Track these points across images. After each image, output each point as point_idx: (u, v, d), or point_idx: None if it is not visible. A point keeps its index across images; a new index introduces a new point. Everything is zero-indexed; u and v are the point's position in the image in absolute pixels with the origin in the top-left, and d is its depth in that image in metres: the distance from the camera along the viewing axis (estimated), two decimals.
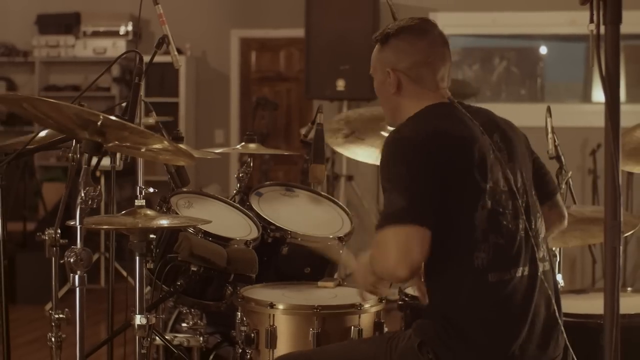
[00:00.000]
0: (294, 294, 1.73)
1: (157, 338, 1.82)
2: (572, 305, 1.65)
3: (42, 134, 1.75)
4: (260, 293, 1.71)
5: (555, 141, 1.79)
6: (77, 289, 1.28)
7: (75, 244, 1.28)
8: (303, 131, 2.11)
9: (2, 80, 5.00)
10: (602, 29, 0.98)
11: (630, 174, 3.63)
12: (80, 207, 1.27)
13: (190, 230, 1.78)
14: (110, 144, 1.37)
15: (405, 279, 1.30)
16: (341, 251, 1.90)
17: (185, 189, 1.91)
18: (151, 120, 1.97)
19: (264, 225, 1.93)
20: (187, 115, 4.86)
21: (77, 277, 1.27)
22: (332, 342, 1.58)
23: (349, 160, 4.31)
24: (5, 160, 1.62)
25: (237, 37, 4.93)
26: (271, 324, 1.59)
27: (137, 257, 1.57)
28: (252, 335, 1.61)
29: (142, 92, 1.56)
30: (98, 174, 3.42)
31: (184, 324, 1.97)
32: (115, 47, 4.77)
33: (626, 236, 2.30)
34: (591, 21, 0.99)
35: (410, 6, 3.81)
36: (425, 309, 1.38)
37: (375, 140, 2.18)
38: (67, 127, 1.34)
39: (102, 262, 4.14)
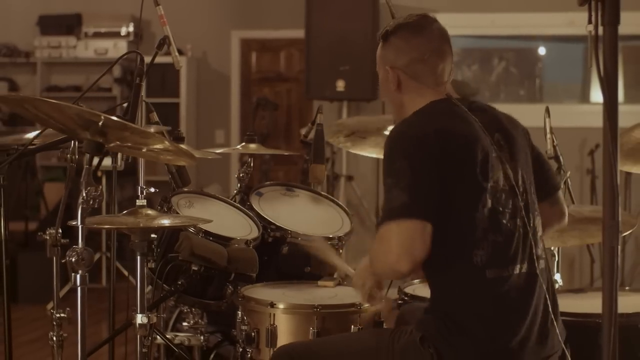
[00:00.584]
0: (294, 293, 1.74)
1: (158, 337, 1.83)
2: (571, 304, 1.65)
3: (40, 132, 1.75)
4: (260, 292, 1.72)
5: (553, 141, 1.79)
6: (79, 288, 1.29)
7: (77, 244, 1.29)
8: (303, 131, 2.12)
9: (4, 80, 5.01)
10: (601, 29, 0.99)
11: (628, 174, 3.62)
12: (82, 207, 1.28)
13: (191, 229, 1.79)
14: (112, 144, 1.37)
15: (406, 274, 1.30)
16: (338, 253, 1.91)
17: (186, 189, 1.91)
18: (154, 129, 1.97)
19: (265, 224, 1.93)
20: (188, 115, 4.87)
21: (78, 276, 1.28)
22: None
23: (349, 160, 4.32)
24: (7, 160, 1.62)
25: (237, 38, 4.94)
26: (272, 323, 1.59)
27: (138, 257, 1.57)
28: (253, 334, 1.61)
29: (143, 93, 1.57)
30: (99, 174, 3.43)
31: (184, 323, 1.97)
32: (117, 48, 4.78)
33: (624, 236, 2.30)
34: (589, 22, 0.99)
35: (410, 7, 3.81)
36: (427, 305, 1.38)
37: (378, 137, 2.19)
38: (69, 128, 1.35)
39: (103, 261, 4.15)
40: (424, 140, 1.31)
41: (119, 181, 2.09)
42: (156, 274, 1.76)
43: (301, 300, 1.67)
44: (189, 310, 1.94)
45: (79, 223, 1.29)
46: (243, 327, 1.64)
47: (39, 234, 1.78)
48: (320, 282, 1.83)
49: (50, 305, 1.71)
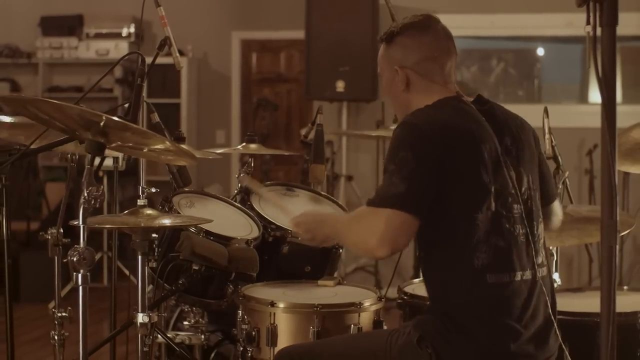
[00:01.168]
0: (295, 293, 1.74)
1: (159, 336, 1.83)
2: (569, 303, 1.65)
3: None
4: (261, 292, 1.72)
5: (552, 141, 1.80)
6: (80, 287, 1.29)
7: (78, 243, 1.29)
8: (303, 132, 2.13)
9: (6, 81, 5.03)
10: (599, 30, 0.99)
11: (626, 174, 3.63)
12: (83, 207, 1.28)
13: (192, 229, 1.79)
14: (113, 145, 1.38)
15: (380, 258, 1.32)
16: (338, 252, 1.91)
17: (187, 189, 1.92)
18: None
19: (265, 224, 1.94)
20: (189, 115, 4.88)
21: (80, 275, 1.28)
22: None
23: (348, 160, 4.33)
24: (8, 161, 1.63)
25: (238, 39, 4.95)
26: (272, 322, 1.60)
27: (140, 256, 1.58)
28: (253, 333, 1.62)
29: (144, 93, 1.57)
30: (101, 174, 3.44)
31: (185, 322, 1.98)
32: (118, 49, 4.80)
33: (622, 235, 2.30)
34: (588, 23, 0.99)
35: (409, 8, 3.82)
36: (427, 307, 1.39)
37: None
38: (71, 128, 1.35)
39: (104, 261, 4.16)
40: (431, 134, 1.31)
41: (120, 181, 2.10)
42: (157, 274, 1.76)
43: (301, 299, 1.68)
44: (189, 309, 1.95)
45: (81, 223, 1.29)
46: (244, 326, 1.64)
47: (40, 233, 1.79)
48: (320, 282, 1.83)
49: (52, 305, 1.72)
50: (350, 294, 1.73)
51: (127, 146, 1.44)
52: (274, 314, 1.60)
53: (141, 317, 1.57)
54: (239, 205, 2.00)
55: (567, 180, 1.79)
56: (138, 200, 1.66)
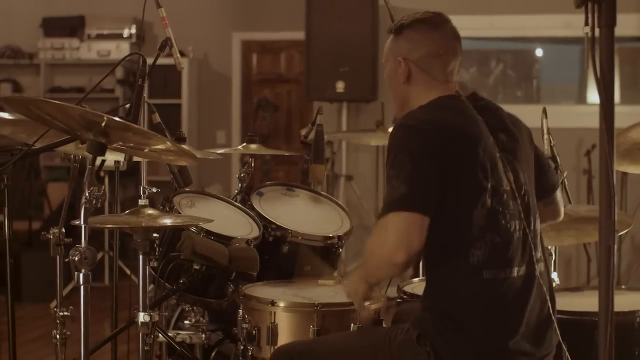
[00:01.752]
0: (295, 292, 1.75)
1: (160, 335, 1.83)
2: (568, 302, 1.66)
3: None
4: (261, 291, 1.73)
5: (550, 142, 1.80)
6: (82, 287, 1.30)
7: (80, 243, 1.30)
8: (303, 132, 2.14)
9: (8, 82, 5.04)
10: (597, 31, 0.99)
11: (624, 174, 3.64)
12: (85, 207, 1.28)
13: (193, 229, 1.80)
14: (114, 145, 1.39)
15: (401, 266, 1.28)
16: (338, 252, 1.92)
17: (187, 189, 1.92)
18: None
19: (265, 224, 1.95)
20: (190, 116, 4.90)
21: (81, 275, 1.29)
22: None
23: (348, 160, 4.34)
24: (10, 161, 1.64)
25: (238, 40, 4.97)
26: (272, 321, 1.61)
27: (141, 256, 1.58)
28: (254, 332, 1.63)
29: (145, 94, 1.58)
30: (102, 174, 3.45)
31: (186, 322, 1.98)
32: (119, 50, 4.81)
33: (620, 235, 2.31)
34: (586, 24, 0.99)
35: (409, 9, 3.81)
36: (423, 303, 1.39)
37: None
38: (72, 128, 1.36)
39: (106, 260, 4.16)
40: (427, 134, 1.32)
41: (122, 181, 2.11)
42: (158, 273, 1.77)
43: (301, 298, 1.68)
44: (190, 308, 1.95)
45: (82, 222, 1.30)
46: (244, 325, 1.65)
47: (42, 233, 1.80)
48: (320, 281, 1.84)
49: (53, 304, 1.73)
50: None
51: (128, 146, 1.44)
52: (275, 313, 1.61)
53: (142, 316, 1.57)
54: (240, 205, 2.01)
55: (565, 180, 1.79)
56: (139, 200, 1.66)
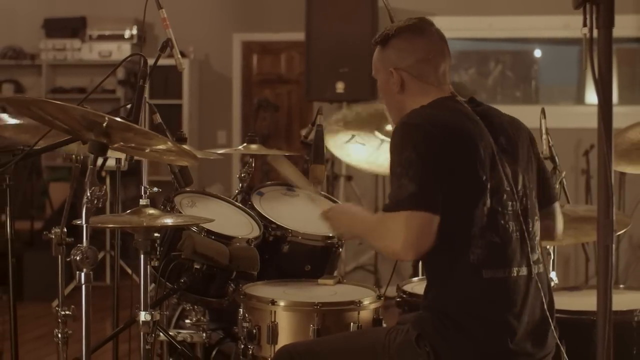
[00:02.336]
0: (295, 291, 1.76)
1: (161, 334, 1.84)
2: (566, 301, 1.67)
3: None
4: (261, 290, 1.74)
5: (549, 142, 1.81)
6: (83, 286, 1.31)
7: (81, 242, 1.31)
8: (303, 132, 2.14)
9: (10, 82, 5.06)
10: (595, 32, 1.00)
11: (622, 174, 3.64)
12: (86, 207, 1.29)
13: (194, 228, 1.80)
14: (116, 145, 1.40)
15: (409, 261, 1.33)
16: (338, 252, 1.92)
17: (188, 189, 1.93)
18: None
19: (266, 224, 1.95)
20: (191, 116, 4.91)
21: (83, 274, 1.30)
22: None
23: None
24: (12, 161, 1.65)
25: (239, 41, 4.98)
26: (272, 320, 1.61)
27: (142, 255, 1.59)
28: (254, 331, 1.63)
29: (146, 94, 1.59)
30: (103, 174, 3.46)
31: (187, 321, 1.98)
32: (120, 51, 4.82)
33: (618, 235, 2.32)
34: (584, 25, 1.00)
35: (408, 10, 3.85)
36: (423, 303, 1.39)
37: (377, 145, 2.22)
38: (74, 129, 1.37)
39: (107, 260, 4.18)
40: (431, 133, 1.32)
41: (123, 181, 2.12)
42: (159, 272, 1.77)
43: (301, 297, 1.69)
44: (191, 307, 1.96)
45: (84, 222, 1.30)
46: (245, 324, 1.66)
47: (44, 233, 1.81)
48: (320, 280, 1.84)
49: (55, 303, 1.74)
50: (350, 293, 1.74)
51: (129, 147, 1.45)
52: (275, 312, 1.62)
53: (143, 316, 1.58)
54: (240, 205, 2.02)
55: (564, 180, 1.80)
56: (140, 200, 1.67)
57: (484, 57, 4.61)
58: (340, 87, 4.05)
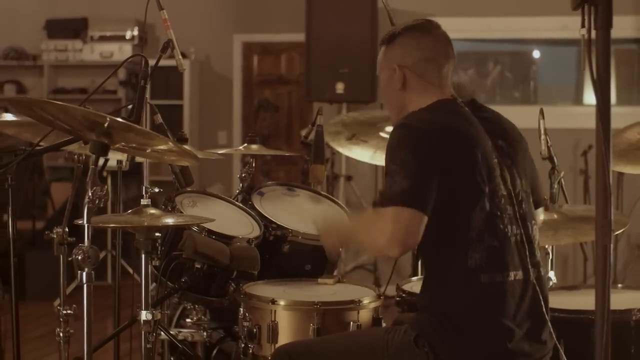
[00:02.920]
0: (295, 291, 1.76)
1: (162, 333, 1.85)
2: (565, 301, 1.67)
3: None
4: (262, 289, 1.75)
5: (548, 142, 1.82)
6: (85, 285, 1.31)
7: (83, 242, 1.31)
8: (303, 132, 2.15)
9: (12, 83, 5.07)
10: (593, 33, 1.01)
11: (620, 174, 3.64)
12: (88, 206, 1.30)
13: (195, 228, 1.81)
14: (117, 145, 1.41)
15: (394, 258, 1.31)
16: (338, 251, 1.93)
17: (189, 189, 1.93)
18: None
19: (266, 223, 1.96)
20: (191, 117, 4.92)
21: (84, 274, 1.31)
22: None
23: (348, 160, 4.36)
24: (14, 161, 1.66)
25: (239, 42, 4.99)
26: (273, 319, 1.62)
27: (143, 255, 1.59)
28: (255, 330, 1.64)
29: (147, 95, 1.60)
30: (105, 174, 3.48)
31: (188, 320, 1.99)
32: (122, 51, 4.84)
33: (617, 234, 2.32)
34: (583, 26, 1.01)
35: (408, 11, 3.87)
36: (421, 304, 1.40)
37: (379, 142, 2.24)
38: (75, 129, 1.37)
39: (108, 259, 4.19)
40: (430, 135, 1.33)
41: (124, 181, 2.13)
42: (160, 272, 1.77)
43: (301, 297, 1.70)
44: (192, 307, 1.96)
45: (85, 222, 1.31)
46: (245, 324, 1.66)
47: (46, 232, 1.82)
48: (320, 280, 1.85)
49: (57, 302, 1.75)
50: (350, 292, 1.75)
51: (130, 147, 1.46)
52: (275, 311, 1.63)
53: (144, 315, 1.58)
54: (241, 205, 2.02)
55: (562, 180, 1.81)
56: (141, 200, 1.67)
57: (482, 58, 4.63)
58: (340, 87, 4.06)
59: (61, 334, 1.80)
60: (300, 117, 4.93)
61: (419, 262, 1.99)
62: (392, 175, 1.32)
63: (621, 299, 1.73)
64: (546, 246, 1.79)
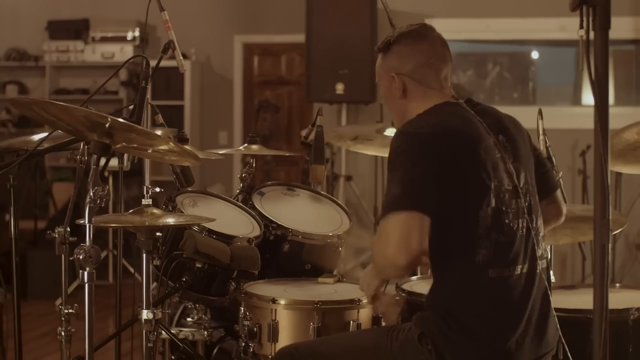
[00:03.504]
0: (295, 290, 1.77)
1: (163, 332, 1.86)
2: (563, 300, 1.68)
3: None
4: (262, 289, 1.76)
5: (546, 142, 1.83)
6: (86, 285, 1.32)
7: (85, 242, 1.32)
8: (304, 133, 2.15)
9: (14, 84, 5.09)
10: (592, 34, 1.01)
11: (618, 174, 3.66)
12: (89, 206, 1.30)
13: (195, 228, 1.82)
14: (118, 145, 1.41)
15: (404, 267, 1.29)
16: (340, 249, 1.95)
17: (190, 189, 1.94)
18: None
19: (266, 223, 1.96)
20: (192, 117, 4.93)
21: (86, 273, 1.31)
22: None
23: (347, 160, 4.38)
24: (16, 161, 1.67)
25: (240, 43, 5.01)
26: (273, 318, 1.63)
27: (144, 254, 1.59)
28: (255, 329, 1.65)
29: (148, 96, 1.61)
30: (106, 174, 3.49)
31: (189, 319, 1.99)
32: (123, 52, 4.86)
33: (615, 234, 2.33)
34: (581, 27, 1.01)
35: (407, 12, 3.87)
36: (427, 302, 1.40)
37: (383, 139, 2.25)
38: (77, 129, 1.38)
39: (110, 259, 4.21)
40: (430, 139, 1.33)
41: (125, 181, 2.14)
42: (161, 271, 1.78)
43: (302, 296, 1.70)
44: (193, 306, 1.97)
45: (87, 222, 1.31)
46: (245, 323, 1.67)
47: (48, 232, 1.83)
48: (320, 279, 1.86)
49: (58, 301, 1.75)
50: (350, 291, 1.75)
51: (132, 147, 1.46)
52: (275, 310, 1.63)
53: (146, 314, 1.58)
54: (241, 205, 2.03)
55: (560, 180, 1.82)
56: (142, 200, 1.68)
57: (481, 59, 4.64)
58: (339, 88, 4.07)
59: (63, 333, 1.81)
60: (301, 118, 4.94)
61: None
62: (388, 183, 1.33)
63: (619, 298, 1.74)
64: (547, 246, 1.80)
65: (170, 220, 1.70)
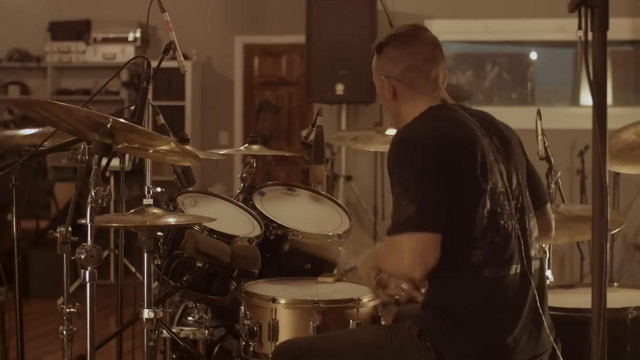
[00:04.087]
0: (295, 289, 1.77)
1: (164, 331, 1.86)
2: (561, 299, 1.69)
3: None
4: (262, 288, 1.76)
5: (545, 143, 1.84)
6: (88, 284, 1.33)
7: (86, 241, 1.33)
8: (304, 133, 2.16)
9: (16, 84, 5.11)
10: (590, 35, 1.01)
11: (616, 174, 3.67)
12: (91, 206, 1.31)
13: (196, 227, 1.82)
14: (120, 146, 1.42)
15: (420, 279, 1.37)
16: (340, 249, 1.96)
17: (191, 189, 1.94)
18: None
19: (267, 223, 1.97)
20: (193, 118, 4.95)
21: (87, 272, 1.32)
22: None
23: (347, 161, 4.39)
24: (18, 161, 1.68)
25: (240, 43, 5.02)
26: (273, 317, 1.64)
27: (145, 254, 1.60)
28: (255, 328, 1.65)
29: (149, 96, 1.62)
30: (108, 174, 3.50)
31: (190, 318, 2.00)
32: (124, 53, 4.87)
33: (613, 234, 2.33)
34: (579, 28, 1.01)
35: (407, 13, 3.88)
36: (424, 301, 1.42)
37: (383, 137, 2.26)
38: (78, 130, 1.39)
39: (111, 258, 4.21)
40: (426, 146, 1.34)
41: (127, 181, 2.14)
42: (162, 271, 1.79)
43: (302, 295, 1.71)
44: (194, 305, 1.97)
45: (88, 221, 1.33)
46: (246, 322, 1.68)
47: (49, 231, 1.83)
48: (320, 279, 1.86)
49: (60, 301, 1.76)
50: (350, 291, 1.76)
51: (133, 147, 1.47)
52: (276, 309, 1.64)
53: (147, 313, 1.59)
54: (242, 205, 2.04)
55: (559, 180, 1.83)
56: (144, 200, 1.69)
57: (480, 60, 4.64)
58: (339, 89, 4.08)
59: (64, 332, 1.81)
60: (301, 118, 4.95)
61: None
62: (397, 198, 1.33)
63: (617, 298, 1.74)
64: (543, 245, 1.81)
65: (171, 220, 1.71)
